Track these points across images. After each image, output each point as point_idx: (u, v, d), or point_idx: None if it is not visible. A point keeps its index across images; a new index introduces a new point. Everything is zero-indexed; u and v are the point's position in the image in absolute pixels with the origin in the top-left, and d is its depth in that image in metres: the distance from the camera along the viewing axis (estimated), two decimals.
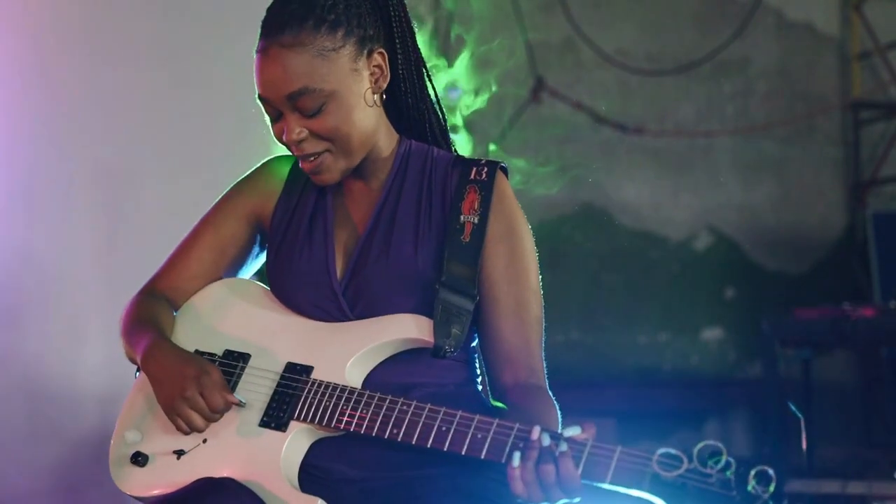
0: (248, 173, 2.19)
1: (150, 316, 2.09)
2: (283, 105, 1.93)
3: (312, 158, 1.96)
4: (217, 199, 2.19)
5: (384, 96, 2.02)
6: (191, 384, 1.91)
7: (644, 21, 6.00)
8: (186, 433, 1.94)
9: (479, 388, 2.05)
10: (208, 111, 3.88)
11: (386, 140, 2.06)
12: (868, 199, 6.15)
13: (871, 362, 5.94)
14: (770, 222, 6.13)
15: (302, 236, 2.06)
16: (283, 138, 1.96)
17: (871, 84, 6.26)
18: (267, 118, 2.00)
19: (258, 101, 1.98)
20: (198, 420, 1.92)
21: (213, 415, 1.92)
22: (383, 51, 2.00)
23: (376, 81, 1.99)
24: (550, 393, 1.95)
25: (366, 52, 1.97)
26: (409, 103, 2.10)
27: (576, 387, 5.24)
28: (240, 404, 1.95)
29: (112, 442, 2.04)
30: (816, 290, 5.96)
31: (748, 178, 6.12)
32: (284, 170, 2.16)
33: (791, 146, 6.17)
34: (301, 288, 2.03)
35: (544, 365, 2.00)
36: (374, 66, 1.98)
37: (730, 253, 6.07)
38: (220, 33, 3.88)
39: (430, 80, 2.12)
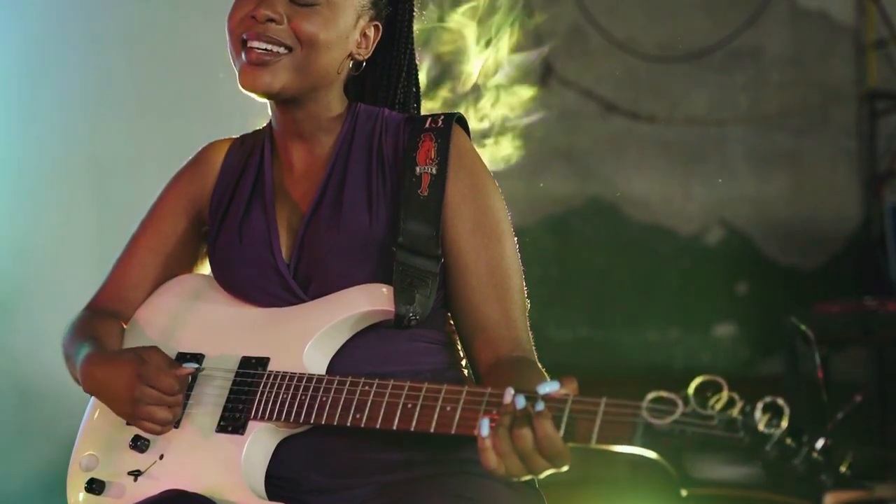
0: (182, 166, 2.04)
1: (86, 334, 1.93)
2: None
3: (267, 48, 1.80)
4: (154, 199, 2.04)
5: (359, 66, 1.91)
6: (134, 382, 1.74)
7: (654, 8, 5.93)
8: (160, 433, 1.76)
9: (466, 372, 1.86)
10: (203, 103, 3.83)
11: (337, 101, 1.91)
12: (884, 191, 6.06)
13: (890, 358, 5.87)
14: (784, 216, 6.05)
15: (241, 219, 1.89)
16: (253, 12, 1.80)
17: (887, 73, 6.16)
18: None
19: None
20: (161, 413, 1.74)
21: (174, 398, 1.75)
22: (379, 26, 1.90)
23: (357, 46, 1.87)
24: (542, 367, 1.74)
25: (370, 14, 1.88)
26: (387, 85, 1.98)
27: (583, 385, 5.14)
28: (196, 371, 1.79)
29: (69, 470, 1.88)
30: (831, 285, 5.88)
31: (761, 170, 6.05)
32: (220, 153, 1.99)
33: (805, 137, 6.10)
34: (246, 275, 1.86)
35: (531, 337, 1.80)
36: (366, 32, 1.88)
37: (742, 247, 6.00)
38: (215, 25, 3.85)
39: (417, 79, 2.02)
